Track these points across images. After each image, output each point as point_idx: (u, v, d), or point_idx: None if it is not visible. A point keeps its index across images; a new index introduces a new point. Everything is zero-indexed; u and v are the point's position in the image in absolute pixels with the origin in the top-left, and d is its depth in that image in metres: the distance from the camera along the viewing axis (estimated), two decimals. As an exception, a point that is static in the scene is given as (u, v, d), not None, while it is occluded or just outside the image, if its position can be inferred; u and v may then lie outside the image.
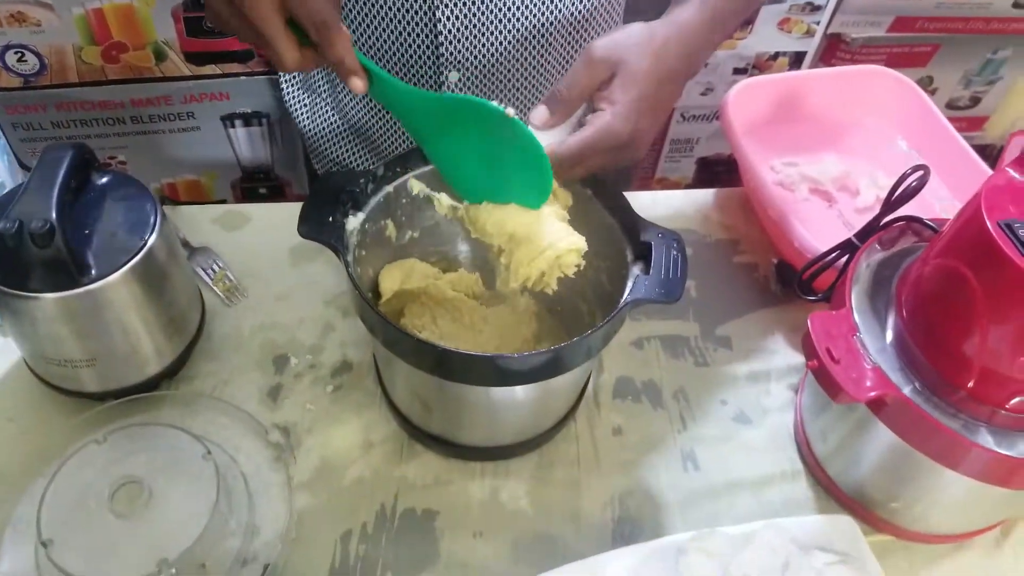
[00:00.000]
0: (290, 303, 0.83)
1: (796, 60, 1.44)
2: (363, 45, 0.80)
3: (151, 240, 0.67)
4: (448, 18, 0.75)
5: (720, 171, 1.62)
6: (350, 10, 0.77)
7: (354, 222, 0.66)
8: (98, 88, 1.26)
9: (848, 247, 0.75)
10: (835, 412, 0.71)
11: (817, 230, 0.81)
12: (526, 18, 0.78)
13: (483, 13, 0.76)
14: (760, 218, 0.92)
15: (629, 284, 0.63)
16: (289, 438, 0.73)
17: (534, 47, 0.82)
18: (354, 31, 0.79)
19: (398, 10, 0.75)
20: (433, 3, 0.74)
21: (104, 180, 0.69)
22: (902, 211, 0.73)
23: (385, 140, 0.90)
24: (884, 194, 0.94)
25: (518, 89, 0.86)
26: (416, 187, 0.69)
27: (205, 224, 0.90)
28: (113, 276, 0.64)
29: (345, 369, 0.78)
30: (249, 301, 0.83)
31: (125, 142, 1.34)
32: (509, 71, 0.83)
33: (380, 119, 0.87)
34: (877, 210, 0.94)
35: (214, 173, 1.43)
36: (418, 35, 0.77)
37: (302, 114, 0.94)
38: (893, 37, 1.44)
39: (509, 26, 0.78)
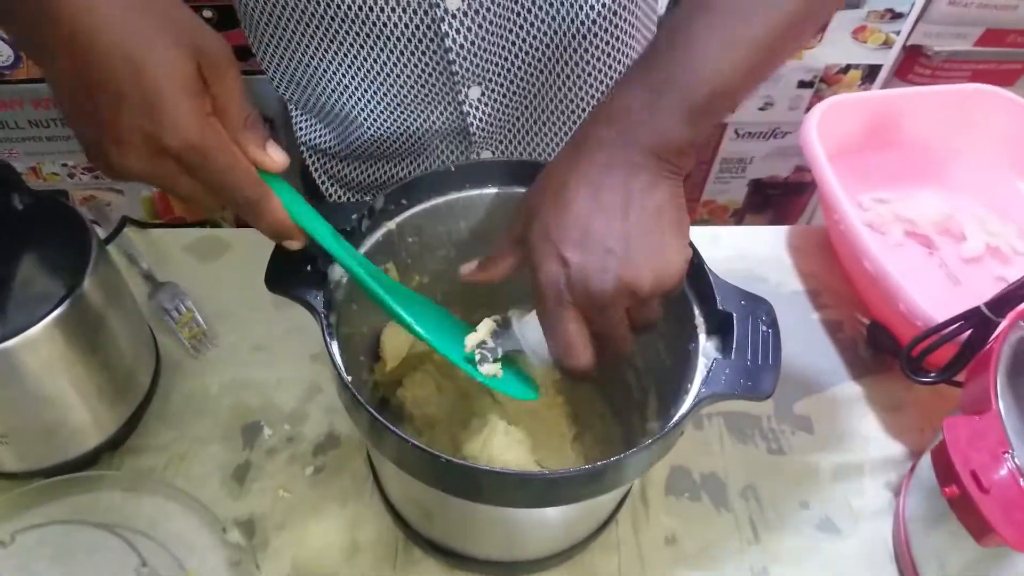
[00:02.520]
0: (269, 356, 0.68)
1: (870, 74, 1.27)
2: (373, 72, 0.65)
3: (83, 284, 0.52)
4: (458, 30, 0.60)
5: (774, 195, 1.46)
6: (352, 42, 0.63)
7: (341, 269, 0.51)
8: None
9: (974, 317, 0.59)
10: (956, 529, 0.54)
11: (917, 284, 0.64)
12: (546, 19, 0.63)
13: (497, 17, 0.61)
14: (847, 267, 0.75)
15: (701, 367, 0.48)
16: (254, 537, 0.57)
17: (559, 52, 0.66)
18: (361, 59, 0.64)
19: (402, 31, 0.61)
20: (437, 15, 0.59)
21: (29, 206, 0.54)
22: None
23: (396, 158, 0.75)
24: (995, 241, 0.78)
25: (550, 99, 0.71)
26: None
27: (175, 252, 0.75)
28: (29, 332, 0.50)
29: (331, 444, 0.63)
30: (219, 351, 0.68)
31: (110, 146, 1.21)
32: (536, 81, 0.68)
33: (384, 136, 0.72)
34: (986, 261, 0.79)
35: (210, 182, 1.28)
36: (425, 51, 0.62)
37: (310, 126, 0.79)
38: (979, 52, 1.27)
39: (529, 30, 0.63)
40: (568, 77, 0.70)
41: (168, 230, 0.78)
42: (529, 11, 0.63)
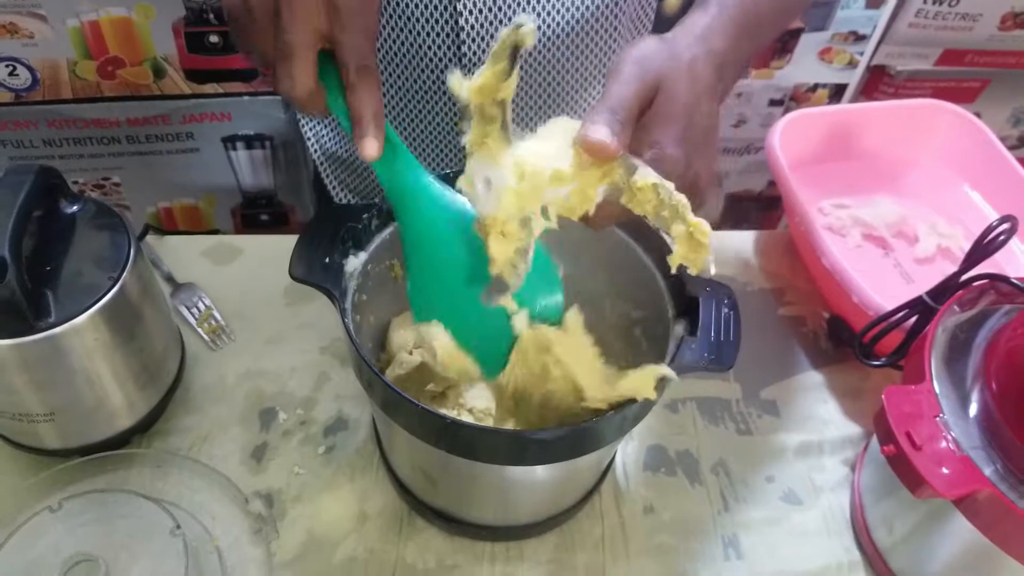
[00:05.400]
0: (282, 348, 0.74)
1: (836, 92, 1.36)
2: (380, 49, 0.71)
3: (123, 278, 0.58)
4: (471, 12, 0.67)
5: (750, 208, 1.53)
6: None
7: (355, 263, 0.58)
8: (93, 105, 1.19)
9: (918, 306, 0.66)
10: (902, 497, 0.61)
11: (873, 282, 0.71)
12: (555, 13, 0.70)
13: (509, 7, 0.68)
14: (809, 266, 0.83)
15: (671, 346, 0.54)
16: (272, 507, 0.63)
17: (564, 46, 0.74)
18: (379, 44, 0.70)
19: (422, 11, 0.67)
20: None
21: (74, 209, 0.61)
22: (982, 267, 0.64)
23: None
24: (946, 243, 0.86)
25: (548, 92, 0.77)
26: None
27: (193, 257, 0.81)
28: (76, 320, 0.56)
29: (340, 427, 0.69)
30: (236, 345, 0.74)
31: (120, 163, 1.27)
32: (539, 72, 0.75)
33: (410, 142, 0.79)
34: (937, 260, 0.86)
35: (213, 198, 1.35)
36: (439, 34, 0.69)
37: (322, 135, 0.85)
38: (940, 71, 1.36)
39: (538, 21, 0.70)
40: (564, 76, 0.76)
41: (186, 237, 0.84)
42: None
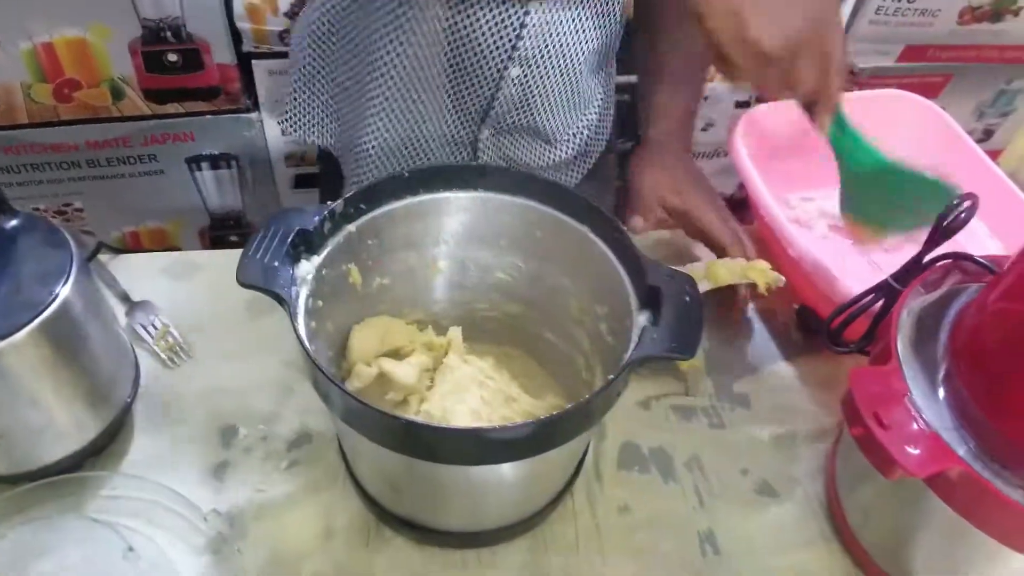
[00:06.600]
0: (243, 363, 0.72)
1: (801, 91, 1.36)
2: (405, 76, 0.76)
3: (63, 293, 0.56)
4: (507, 93, 0.76)
5: (722, 210, 1.53)
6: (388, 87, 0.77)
7: (307, 267, 0.56)
8: (50, 129, 1.17)
9: (884, 290, 0.65)
10: (877, 483, 0.60)
11: (841, 271, 0.71)
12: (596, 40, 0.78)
13: (566, 24, 0.75)
14: (777, 259, 0.82)
15: (634, 336, 0.53)
16: (234, 527, 0.61)
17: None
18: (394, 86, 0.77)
19: (482, 25, 0.72)
20: (505, 73, 0.75)
21: (13, 225, 0.59)
22: (945, 247, 0.63)
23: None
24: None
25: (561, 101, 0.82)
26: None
27: (151, 274, 0.79)
28: (12, 338, 0.53)
29: (304, 440, 0.67)
30: (195, 362, 0.72)
31: (81, 187, 1.25)
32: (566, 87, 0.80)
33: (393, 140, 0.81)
34: (905, 248, 0.85)
35: (180, 220, 1.33)
36: (496, 47, 0.73)
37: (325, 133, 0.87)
38: (903, 67, 1.37)
39: (586, 43, 0.77)
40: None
41: (143, 254, 0.82)
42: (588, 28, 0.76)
